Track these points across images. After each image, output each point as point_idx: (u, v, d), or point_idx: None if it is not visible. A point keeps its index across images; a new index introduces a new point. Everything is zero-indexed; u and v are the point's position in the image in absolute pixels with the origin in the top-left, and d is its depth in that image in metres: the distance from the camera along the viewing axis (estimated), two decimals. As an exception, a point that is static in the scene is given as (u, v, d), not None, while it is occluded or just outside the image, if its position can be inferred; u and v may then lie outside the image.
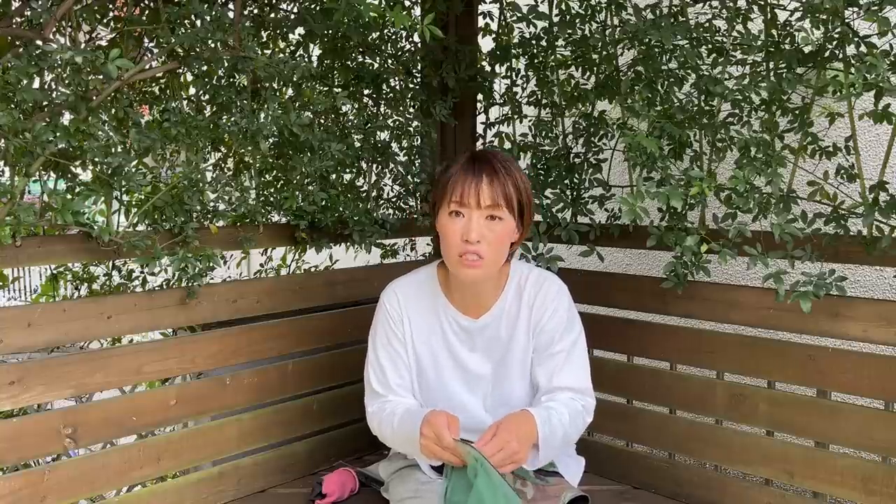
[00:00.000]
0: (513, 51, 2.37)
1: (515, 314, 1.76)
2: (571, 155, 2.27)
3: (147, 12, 1.93)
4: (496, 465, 1.50)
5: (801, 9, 1.78)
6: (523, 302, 1.76)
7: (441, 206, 1.66)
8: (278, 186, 2.17)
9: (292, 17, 2.10)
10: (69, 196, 1.59)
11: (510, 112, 2.43)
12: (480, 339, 1.77)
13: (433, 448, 1.54)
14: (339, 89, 2.25)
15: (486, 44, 2.50)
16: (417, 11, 2.38)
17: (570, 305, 1.78)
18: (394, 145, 2.31)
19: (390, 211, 2.37)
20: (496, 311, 1.76)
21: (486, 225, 1.62)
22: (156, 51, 1.92)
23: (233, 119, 1.90)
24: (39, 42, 1.59)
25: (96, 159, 1.60)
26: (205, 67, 1.84)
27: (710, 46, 1.97)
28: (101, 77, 1.58)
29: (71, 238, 1.68)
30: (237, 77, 1.97)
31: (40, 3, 1.56)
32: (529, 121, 2.38)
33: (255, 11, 2.04)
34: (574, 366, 1.74)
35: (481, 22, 2.48)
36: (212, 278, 1.91)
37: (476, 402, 1.79)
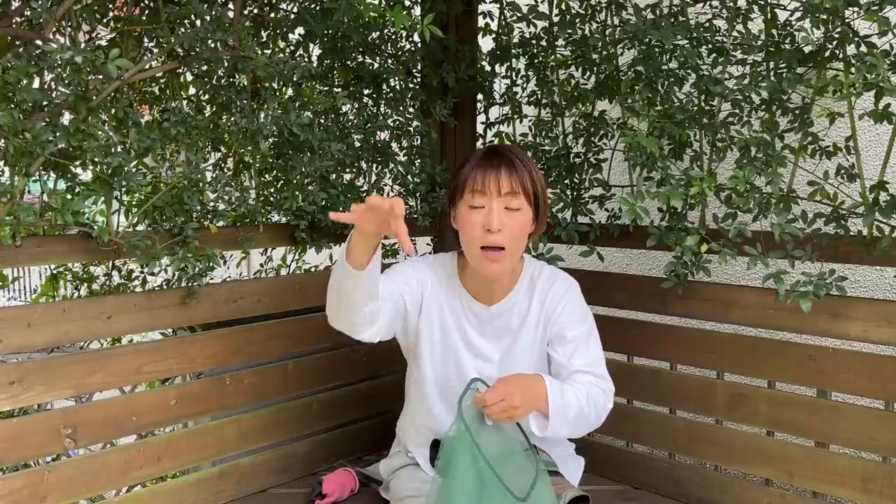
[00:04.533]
0: (513, 51, 2.37)
1: (527, 307, 1.79)
2: (571, 155, 2.27)
3: (147, 12, 1.93)
4: (492, 413, 1.52)
5: (801, 9, 1.78)
6: (535, 296, 1.79)
7: (460, 199, 1.68)
8: (278, 186, 2.17)
9: (292, 17, 2.10)
10: (69, 196, 1.59)
11: (510, 112, 2.43)
12: (490, 326, 1.80)
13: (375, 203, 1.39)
14: (339, 89, 2.25)
15: (486, 44, 2.50)
16: (417, 11, 2.38)
17: (581, 299, 1.82)
18: (394, 145, 2.31)
19: (390, 211, 2.37)
20: (508, 302, 1.79)
21: (507, 215, 1.64)
22: (156, 51, 1.92)
23: (233, 119, 1.90)
24: (39, 42, 1.59)
25: (96, 159, 1.60)
26: (205, 67, 1.83)
27: (710, 46, 1.97)
28: (101, 77, 1.58)
29: (71, 238, 1.68)
30: (237, 77, 1.97)
31: (40, 3, 1.56)
32: (529, 121, 2.38)
33: (255, 11, 2.04)
34: (590, 350, 1.77)
35: (481, 22, 2.48)
36: (212, 278, 1.91)
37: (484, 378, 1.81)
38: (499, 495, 1.47)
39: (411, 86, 2.37)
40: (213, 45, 1.76)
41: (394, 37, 2.35)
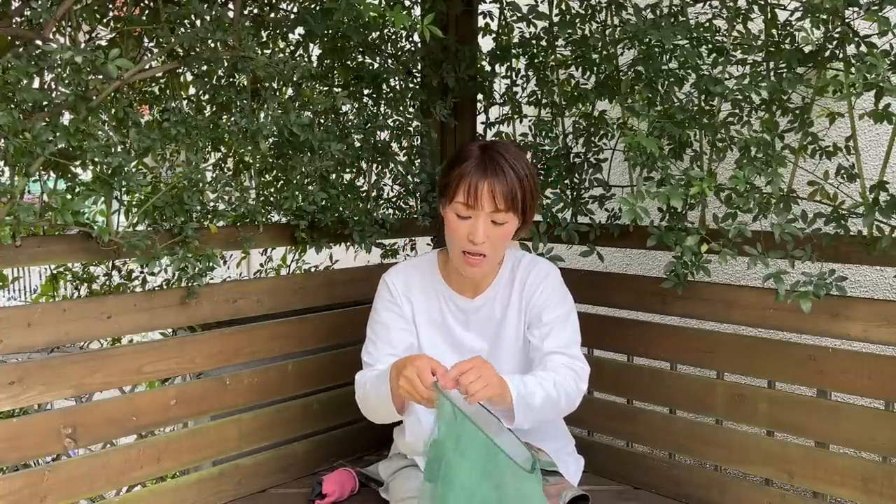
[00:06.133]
0: (513, 51, 2.37)
1: (508, 295, 1.83)
2: (571, 155, 2.27)
3: (147, 12, 1.93)
4: (468, 383, 1.48)
5: (801, 9, 1.78)
6: (515, 284, 1.83)
7: (448, 203, 1.69)
8: (278, 186, 2.17)
9: (292, 17, 2.10)
10: (69, 196, 1.59)
11: (510, 112, 2.43)
12: (476, 318, 1.83)
13: (410, 389, 1.52)
14: (339, 89, 2.25)
15: (486, 44, 2.50)
16: (417, 11, 2.38)
17: (561, 284, 1.84)
18: (394, 145, 2.31)
19: (390, 211, 2.37)
20: (490, 293, 1.83)
21: (491, 227, 1.67)
22: (156, 51, 1.92)
23: (233, 119, 1.90)
24: (39, 42, 1.59)
25: (96, 159, 1.60)
26: (205, 67, 1.83)
27: (710, 46, 1.97)
28: (101, 77, 1.58)
29: (71, 238, 1.68)
30: (237, 77, 1.97)
31: (40, 3, 1.56)
32: (529, 121, 2.38)
33: (255, 11, 2.04)
34: (566, 332, 1.78)
35: (481, 22, 2.47)
36: (212, 278, 1.91)
37: None
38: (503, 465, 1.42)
39: (411, 86, 2.37)
40: (213, 45, 1.76)
41: (394, 37, 2.35)
